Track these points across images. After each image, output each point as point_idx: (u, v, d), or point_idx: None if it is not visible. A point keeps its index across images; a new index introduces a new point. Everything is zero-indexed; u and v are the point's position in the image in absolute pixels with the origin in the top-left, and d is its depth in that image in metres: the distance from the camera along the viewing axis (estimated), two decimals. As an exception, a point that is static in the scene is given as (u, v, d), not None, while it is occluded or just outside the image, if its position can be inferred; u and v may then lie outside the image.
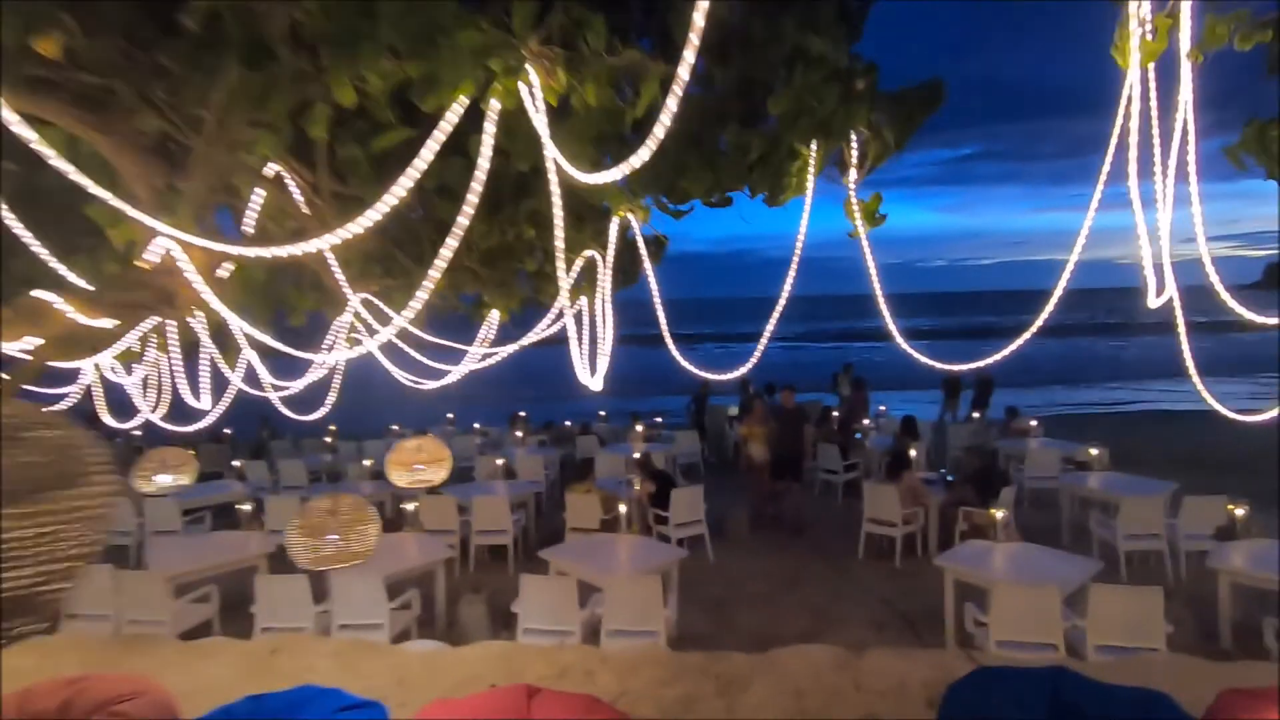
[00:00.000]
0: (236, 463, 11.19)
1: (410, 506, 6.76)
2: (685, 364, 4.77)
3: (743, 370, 4.67)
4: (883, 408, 14.76)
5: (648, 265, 5.23)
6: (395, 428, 14.38)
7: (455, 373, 5.52)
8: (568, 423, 14.12)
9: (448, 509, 7.83)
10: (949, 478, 8.50)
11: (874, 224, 5.01)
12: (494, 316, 5.58)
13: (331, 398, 5.69)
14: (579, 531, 7.75)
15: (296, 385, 6.15)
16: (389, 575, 5.69)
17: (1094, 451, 8.74)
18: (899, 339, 4.82)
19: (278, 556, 6.05)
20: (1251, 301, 3.89)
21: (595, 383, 5.01)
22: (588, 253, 5.12)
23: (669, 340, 4.74)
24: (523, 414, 15.03)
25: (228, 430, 16.11)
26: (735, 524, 8.82)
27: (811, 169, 4.55)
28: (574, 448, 12.51)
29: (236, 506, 7.22)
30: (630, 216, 4.82)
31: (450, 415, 16.13)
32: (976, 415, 13.78)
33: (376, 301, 4.69)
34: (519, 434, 11.95)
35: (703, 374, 4.89)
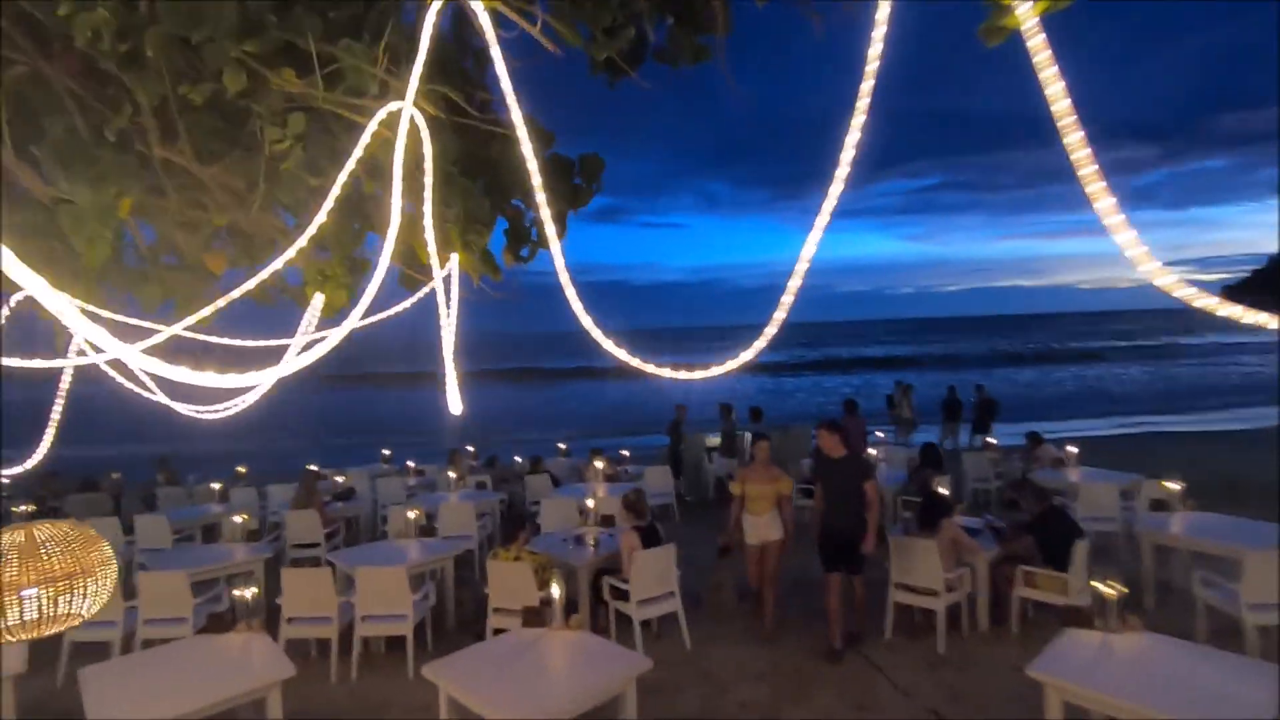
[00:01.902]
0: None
1: (245, 593, 4.57)
2: (611, 348, 2.79)
3: (725, 369, 2.69)
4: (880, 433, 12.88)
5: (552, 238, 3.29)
6: (313, 468, 12.04)
7: (257, 389, 3.46)
8: (517, 459, 11.95)
9: (321, 586, 5.62)
10: (997, 525, 6.53)
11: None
12: (317, 302, 3.54)
13: (46, 436, 3.54)
14: (505, 613, 5.61)
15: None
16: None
17: (1173, 485, 6.84)
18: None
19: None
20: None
21: (455, 402, 3.02)
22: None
23: (583, 316, 2.74)
24: (469, 448, 12.87)
25: (115, 474, 13.72)
26: (719, 594, 6.73)
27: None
28: (522, 489, 10.37)
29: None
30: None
31: (386, 451, 13.90)
32: (991, 440, 11.91)
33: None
34: (452, 474, 9.74)
35: (645, 368, 2.89)
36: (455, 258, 2.92)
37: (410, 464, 12.16)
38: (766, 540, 6.08)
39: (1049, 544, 5.85)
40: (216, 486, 10.23)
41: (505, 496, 10.44)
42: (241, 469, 12.80)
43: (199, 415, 3.38)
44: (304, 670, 5.70)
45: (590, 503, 7.10)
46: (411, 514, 6.99)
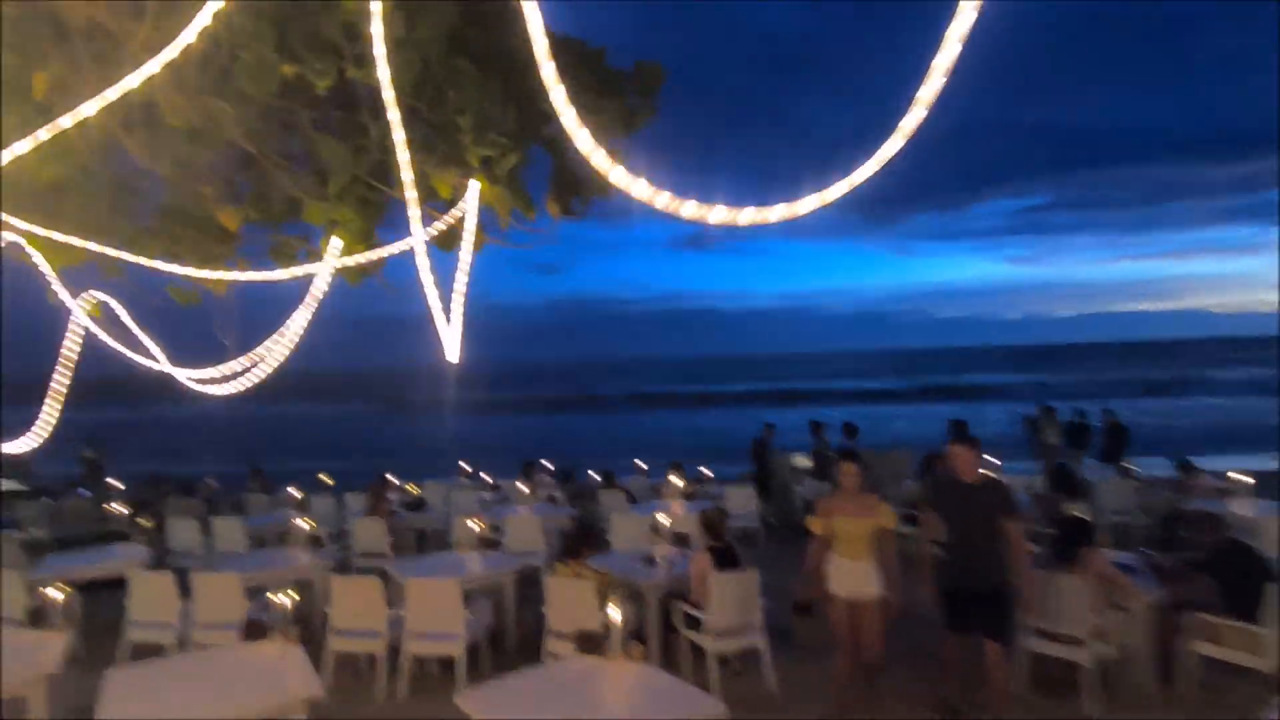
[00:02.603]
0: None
1: (282, 598, 4.18)
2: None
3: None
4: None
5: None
6: (389, 476, 11.91)
7: (264, 363, 3.00)
8: (592, 474, 11.41)
9: (370, 597, 5.20)
10: (1160, 562, 5.36)
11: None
12: (334, 247, 3.02)
13: (47, 408, 3.20)
14: (564, 637, 5.00)
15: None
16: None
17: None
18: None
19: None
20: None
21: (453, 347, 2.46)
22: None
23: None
24: (545, 462, 12.46)
25: (211, 480, 14.19)
26: (808, 627, 5.86)
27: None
28: (596, 505, 9.80)
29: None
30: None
31: (464, 465, 13.71)
32: (1131, 467, 10.35)
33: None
34: (523, 487, 9.30)
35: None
36: (475, 186, 2.39)
37: (485, 477, 11.87)
38: (860, 595, 4.45)
39: (1230, 587, 4.69)
40: (297, 494, 10.23)
41: (578, 512, 9.92)
42: (326, 478, 12.92)
43: (202, 387, 3.04)
44: (349, 687, 5.31)
45: (663, 519, 6.42)
46: (473, 524, 6.54)
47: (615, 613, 3.69)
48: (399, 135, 1.69)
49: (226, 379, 2.82)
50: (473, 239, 2.30)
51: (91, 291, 2.76)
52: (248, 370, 2.70)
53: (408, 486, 10.31)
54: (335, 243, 2.75)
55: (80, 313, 2.54)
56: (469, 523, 6.60)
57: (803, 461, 11.62)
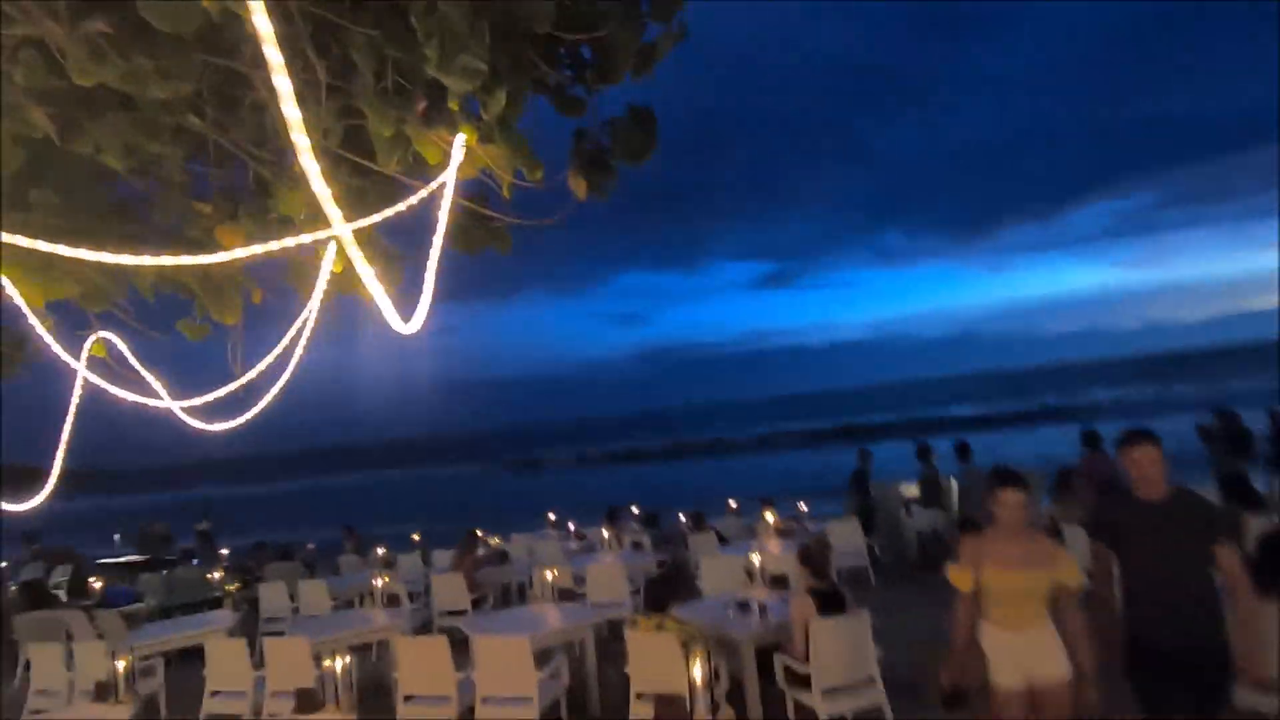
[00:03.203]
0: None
1: (338, 663, 3.81)
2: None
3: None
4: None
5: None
6: (480, 533, 11.65)
7: (266, 398, 2.61)
8: (681, 516, 10.76)
9: (437, 659, 4.77)
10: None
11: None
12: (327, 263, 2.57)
13: (56, 463, 2.91)
14: (644, 700, 4.39)
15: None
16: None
17: None
18: None
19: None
20: None
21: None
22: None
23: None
24: (633, 508, 11.92)
25: (310, 544, 14.45)
26: (938, 683, 4.99)
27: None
28: (685, 550, 9.14)
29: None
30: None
31: (552, 516, 13.34)
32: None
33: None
34: (605, 532, 8.79)
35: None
36: (460, 138, 1.98)
37: (571, 526, 11.45)
38: (1040, 678, 3.19)
39: None
40: (381, 552, 10.13)
41: (667, 557, 9.29)
42: (416, 536, 12.89)
43: (201, 423, 2.78)
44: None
45: (756, 559, 5.74)
46: (550, 574, 6.07)
47: (697, 671, 3.09)
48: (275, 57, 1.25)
49: (226, 407, 2.53)
50: (451, 199, 1.89)
51: (100, 333, 2.53)
52: (265, 389, 2.42)
53: (490, 540, 10.01)
54: (328, 257, 2.43)
55: (77, 361, 2.33)
56: (546, 573, 6.13)
57: (910, 490, 10.57)
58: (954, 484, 9.99)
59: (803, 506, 10.02)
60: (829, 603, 4.48)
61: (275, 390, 2.46)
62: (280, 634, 6.31)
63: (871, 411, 62.52)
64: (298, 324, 2.39)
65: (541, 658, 4.84)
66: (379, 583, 6.79)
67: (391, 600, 6.83)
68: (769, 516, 8.28)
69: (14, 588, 11.32)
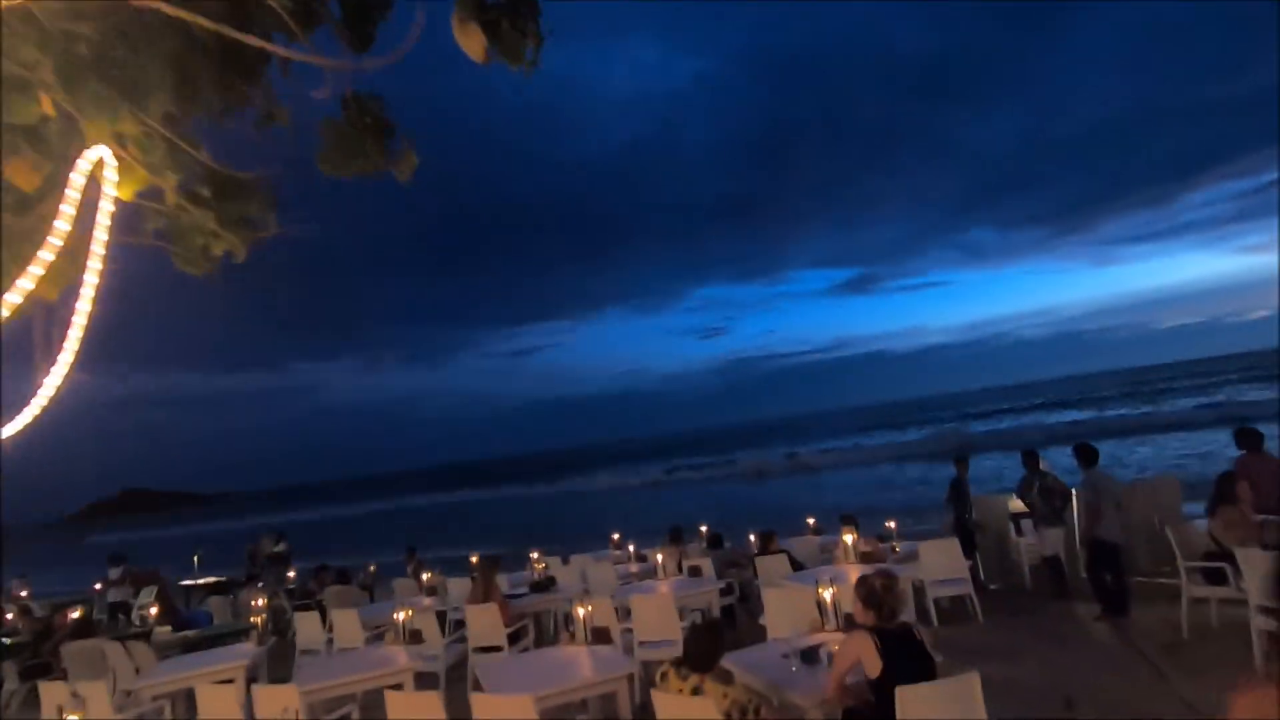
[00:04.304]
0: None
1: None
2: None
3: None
4: None
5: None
6: (534, 555, 10.89)
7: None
8: (751, 537, 9.64)
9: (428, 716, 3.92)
10: None
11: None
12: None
13: None
14: (680, 788, 3.38)
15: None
16: None
17: None
18: None
19: None
20: None
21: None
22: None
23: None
24: (703, 528, 10.86)
25: (372, 566, 14.14)
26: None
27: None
28: (753, 575, 8.03)
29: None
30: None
31: (615, 535, 12.46)
32: None
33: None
34: (660, 557, 7.82)
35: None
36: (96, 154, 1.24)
37: (631, 547, 10.51)
38: None
39: None
40: (426, 577, 9.52)
41: (733, 582, 8.23)
42: (474, 558, 12.29)
43: None
44: None
45: (827, 594, 4.64)
46: (581, 610, 5.16)
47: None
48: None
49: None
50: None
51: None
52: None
53: (538, 565, 9.22)
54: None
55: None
56: (579, 611, 5.22)
57: (1017, 504, 9.07)
58: (1075, 496, 8.45)
59: (891, 525, 8.70)
60: (896, 647, 3.37)
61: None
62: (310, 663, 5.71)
63: (969, 419, 58.43)
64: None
65: (567, 713, 3.95)
66: (401, 616, 6.07)
67: (415, 637, 6.09)
68: (849, 538, 7.09)
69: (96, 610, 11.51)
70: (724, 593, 7.82)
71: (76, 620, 8.86)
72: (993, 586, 8.59)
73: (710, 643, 3.47)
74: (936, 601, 7.29)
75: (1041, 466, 8.32)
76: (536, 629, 7.46)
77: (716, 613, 7.15)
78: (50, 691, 5.57)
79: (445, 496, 63.23)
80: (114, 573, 15.49)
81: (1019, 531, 8.94)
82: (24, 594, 14.68)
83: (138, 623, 10.31)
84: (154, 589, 13.92)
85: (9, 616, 11.27)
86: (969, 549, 8.14)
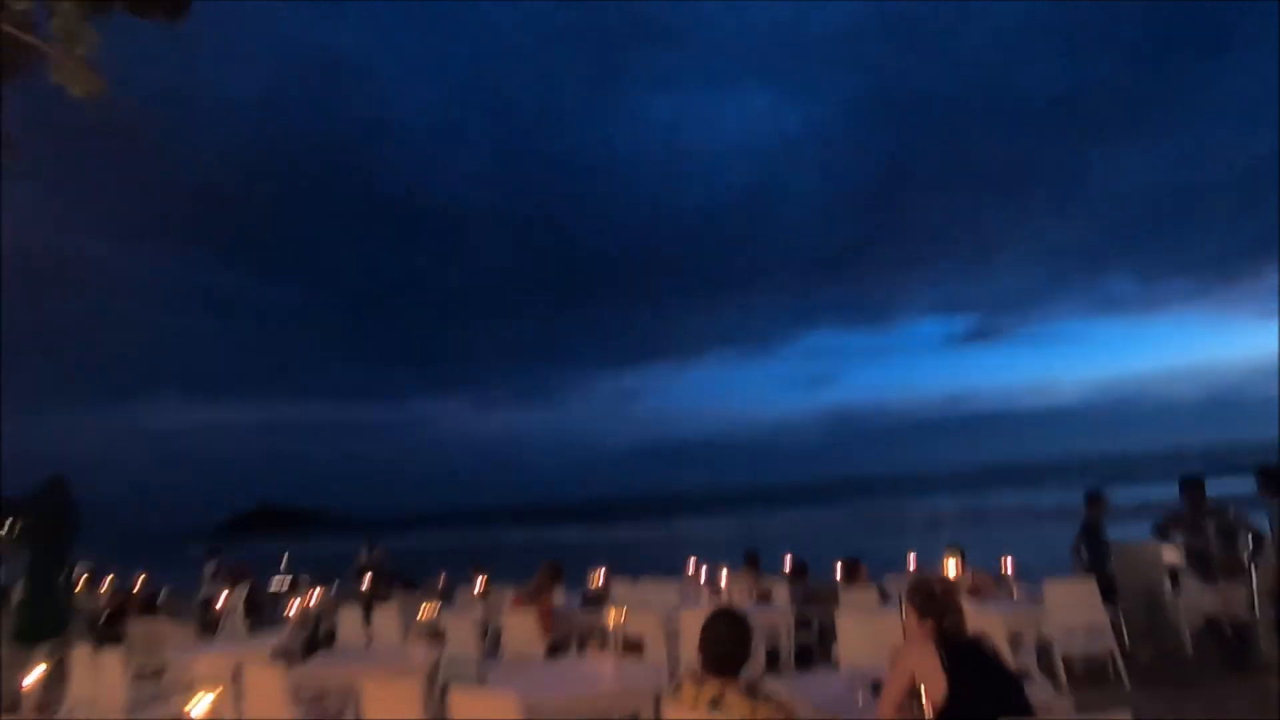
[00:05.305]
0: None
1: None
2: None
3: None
4: None
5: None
6: (598, 572, 10.10)
7: None
8: (838, 564, 8.42)
9: (407, 708, 3.25)
10: None
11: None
12: None
13: None
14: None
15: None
16: None
17: None
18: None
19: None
20: None
21: None
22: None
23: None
24: (788, 555, 9.74)
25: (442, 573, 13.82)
26: None
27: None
28: (835, 607, 6.90)
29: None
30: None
31: (694, 557, 11.46)
32: None
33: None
34: (724, 574, 6.88)
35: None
36: None
37: (704, 569, 9.53)
38: None
39: None
40: (481, 586, 8.97)
41: (813, 620, 7.13)
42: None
43: None
44: None
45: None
46: (613, 615, 4.38)
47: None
48: None
49: None
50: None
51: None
52: None
53: (595, 580, 8.48)
54: None
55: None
56: (611, 615, 4.45)
57: (1173, 554, 7.42)
58: (1250, 545, 6.76)
59: (1008, 564, 7.29)
60: (967, 662, 2.37)
61: None
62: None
63: (1107, 485, 52.33)
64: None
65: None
66: (422, 619, 5.52)
67: (433, 635, 5.51)
68: (951, 566, 5.89)
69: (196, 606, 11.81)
70: (801, 627, 6.76)
71: (141, 598, 8.96)
72: (1138, 651, 6.97)
73: (732, 638, 2.62)
74: (1066, 662, 5.89)
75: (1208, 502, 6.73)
76: (582, 645, 6.68)
77: (789, 645, 6.12)
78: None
79: (548, 532, 63.76)
80: (209, 566, 16.02)
81: (1176, 586, 7.26)
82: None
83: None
84: (246, 586, 14.22)
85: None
86: (1110, 599, 6.64)
